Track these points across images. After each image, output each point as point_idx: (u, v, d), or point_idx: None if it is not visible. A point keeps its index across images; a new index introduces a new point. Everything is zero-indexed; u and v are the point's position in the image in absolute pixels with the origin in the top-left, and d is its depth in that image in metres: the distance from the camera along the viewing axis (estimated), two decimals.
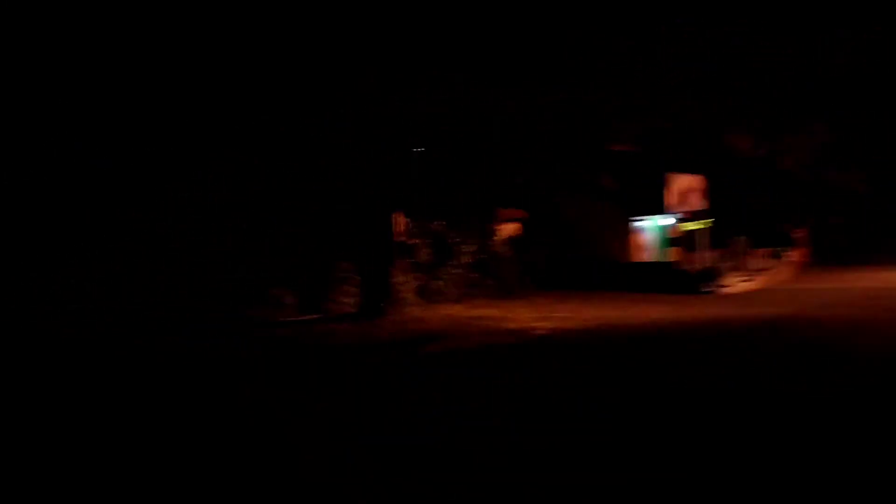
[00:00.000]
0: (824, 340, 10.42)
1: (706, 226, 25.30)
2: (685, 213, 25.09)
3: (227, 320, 13.55)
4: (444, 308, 16.47)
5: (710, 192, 25.41)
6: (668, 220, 25.31)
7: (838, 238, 33.36)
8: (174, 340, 11.30)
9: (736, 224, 26.73)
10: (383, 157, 16.71)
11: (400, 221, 18.25)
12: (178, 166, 14.60)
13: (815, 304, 15.62)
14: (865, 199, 32.53)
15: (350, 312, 15.39)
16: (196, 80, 13.69)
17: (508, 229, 24.32)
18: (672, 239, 25.26)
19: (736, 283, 22.42)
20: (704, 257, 24.78)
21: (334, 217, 16.66)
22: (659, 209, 24.49)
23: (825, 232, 32.62)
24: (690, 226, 25.38)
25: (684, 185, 24.65)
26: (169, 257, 14.14)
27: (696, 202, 25.10)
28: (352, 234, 16.23)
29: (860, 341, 10.11)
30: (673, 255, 24.85)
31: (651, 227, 25.64)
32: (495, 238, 22.54)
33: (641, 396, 7.11)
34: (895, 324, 11.73)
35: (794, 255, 29.62)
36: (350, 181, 16.69)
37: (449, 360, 9.55)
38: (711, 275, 21.61)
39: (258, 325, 13.49)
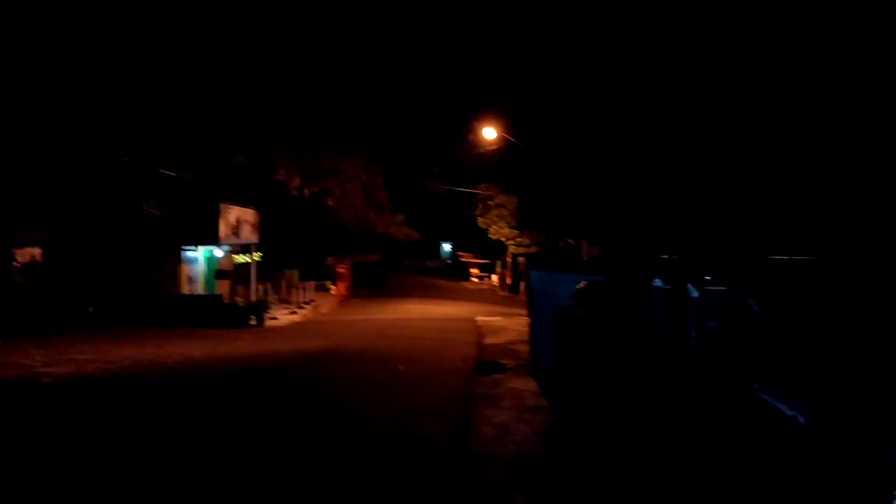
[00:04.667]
0: (347, 368, 11.25)
1: (257, 259, 25.61)
2: (237, 245, 24.96)
3: None
4: None
5: (263, 226, 25.88)
6: (220, 252, 24.83)
7: (373, 273, 38.02)
8: None
9: (287, 258, 27.87)
10: None
11: None
12: None
13: (347, 336, 17.07)
14: (403, 242, 37.80)
15: None
16: None
17: (31, 254, 20.65)
18: (222, 271, 24.83)
19: (283, 316, 23.12)
20: (254, 290, 25.00)
21: None
22: (211, 239, 23.76)
23: (364, 267, 36.77)
24: (242, 258, 25.38)
25: (238, 216, 24.54)
26: None
27: (249, 234, 25.24)
28: None
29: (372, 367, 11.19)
30: (223, 287, 24.40)
31: (202, 258, 24.77)
32: (13, 264, 18.83)
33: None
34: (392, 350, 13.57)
35: (337, 289, 32.29)
36: None
37: None
38: (259, 308, 21.83)
39: None
